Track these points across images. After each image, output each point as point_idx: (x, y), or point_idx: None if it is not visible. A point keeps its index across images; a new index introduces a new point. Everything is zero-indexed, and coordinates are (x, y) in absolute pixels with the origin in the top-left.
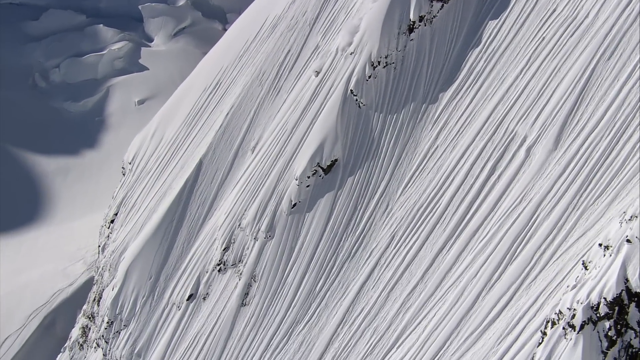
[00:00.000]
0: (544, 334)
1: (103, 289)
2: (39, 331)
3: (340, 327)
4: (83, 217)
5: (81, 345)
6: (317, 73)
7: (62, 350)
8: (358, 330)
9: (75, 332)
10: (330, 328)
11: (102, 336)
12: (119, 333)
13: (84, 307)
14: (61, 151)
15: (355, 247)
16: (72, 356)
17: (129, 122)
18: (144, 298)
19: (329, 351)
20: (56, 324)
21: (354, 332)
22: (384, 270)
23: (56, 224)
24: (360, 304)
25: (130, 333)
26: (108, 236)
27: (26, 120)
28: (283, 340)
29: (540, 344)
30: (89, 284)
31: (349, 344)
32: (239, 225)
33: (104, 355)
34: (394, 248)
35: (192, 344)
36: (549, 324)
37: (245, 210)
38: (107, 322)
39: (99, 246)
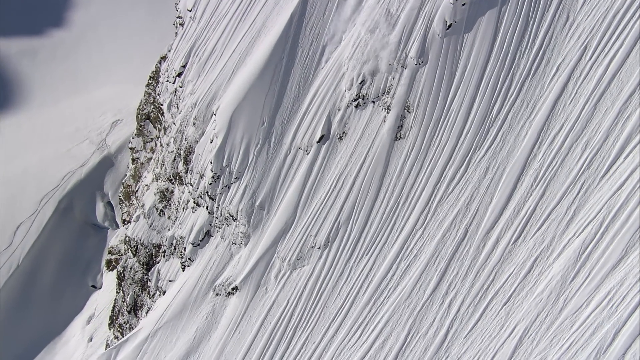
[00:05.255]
0: None
1: (191, 145)
2: (56, 216)
3: (537, 147)
4: (70, 99)
5: (161, 210)
6: None
7: (134, 219)
8: (563, 148)
9: (150, 199)
10: (523, 149)
11: (206, 193)
12: (229, 187)
13: (156, 170)
14: (22, 31)
15: (535, 64)
16: (151, 223)
17: None
18: (258, 146)
19: (527, 173)
20: (74, 207)
21: (556, 149)
22: (582, 82)
23: (36, 107)
24: (558, 120)
25: (247, 185)
26: (175, 91)
27: None
28: (460, 169)
29: None
30: (104, 163)
31: (554, 163)
32: (376, 55)
33: (210, 213)
34: (590, 59)
35: (334, 187)
36: None
37: (382, 38)
38: (212, 177)
39: (161, 105)
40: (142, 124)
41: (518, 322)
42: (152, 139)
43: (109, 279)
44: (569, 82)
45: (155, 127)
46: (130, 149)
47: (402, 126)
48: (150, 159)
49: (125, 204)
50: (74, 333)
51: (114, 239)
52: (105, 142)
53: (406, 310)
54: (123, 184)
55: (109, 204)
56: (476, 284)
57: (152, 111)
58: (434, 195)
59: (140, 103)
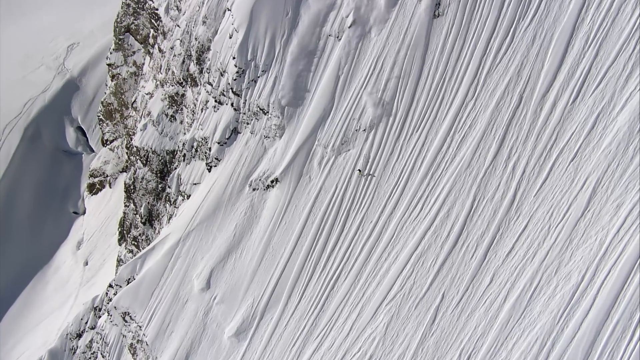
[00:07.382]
0: None
1: (203, 44)
2: (23, 145)
3: (584, 10)
4: (8, 27)
5: (172, 116)
6: None
7: (140, 128)
8: (612, 9)
9: (157, 106)
10: (570, 15)
11: (230, 89)
12: (256, 81)
13: (158, 76)
14: None
15: None
16: (162, 130)
17: None
18: (284, 37)
19: (576, 36)
20: (42, 135)
21: (605, 11)
22: None
23: None
24: None
25: (276, 77)
26: None
27: None
28: (506, 40)
29: None
30: (68, 87)
31: (604, 24)
32: None
33: (236, 109)
34: None
35: (372, 69)
36: None
37: None
38: (237, 73)
39: (155, 10)
40: (121, 37)
41: (589, 174)
42: (134, 52)
43: (92, 203)
44: None
45: (136, 40)
46: (109, 65)
47: (439, 4)
48: (134, 73)
49: (107, 123)
50: (64, 260)
51: (96, 161)
52: (65, 66)
53: (468, 179)
54: (102, 103)
55: (80, 128)
56: (539, 145)
57: (133, 23)
58: (481, 67)
59: (118, 16)
